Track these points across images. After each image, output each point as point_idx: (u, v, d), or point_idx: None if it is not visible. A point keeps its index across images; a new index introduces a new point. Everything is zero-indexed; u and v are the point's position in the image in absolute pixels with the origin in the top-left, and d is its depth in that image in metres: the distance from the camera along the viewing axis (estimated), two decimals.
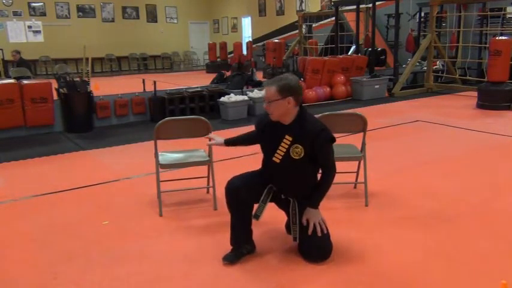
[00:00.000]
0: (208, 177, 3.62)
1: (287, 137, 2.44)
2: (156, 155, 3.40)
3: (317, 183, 2.60)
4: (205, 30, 20.58)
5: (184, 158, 3.47)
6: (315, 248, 2.54)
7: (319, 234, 2.51)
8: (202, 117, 3.36)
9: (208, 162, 3.44)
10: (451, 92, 9.40)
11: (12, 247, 2.92)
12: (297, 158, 2.45)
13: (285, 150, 2.45)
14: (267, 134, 2.56)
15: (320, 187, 2.57)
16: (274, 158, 2.48)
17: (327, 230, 2.60)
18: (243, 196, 2.50)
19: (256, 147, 2.71)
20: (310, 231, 2.52)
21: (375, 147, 4.79)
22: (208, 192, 3.74)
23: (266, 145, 2.58)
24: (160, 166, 3.36)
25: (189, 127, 3.38)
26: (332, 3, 12.82)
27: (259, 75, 9.72)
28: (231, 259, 2.57)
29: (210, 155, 3.43)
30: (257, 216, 2.56)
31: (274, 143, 2.47)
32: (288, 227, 2.75)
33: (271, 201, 2.63)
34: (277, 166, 2.50)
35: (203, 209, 3.46)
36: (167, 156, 3.49)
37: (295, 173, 2.51)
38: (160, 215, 3.33)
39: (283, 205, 2.67)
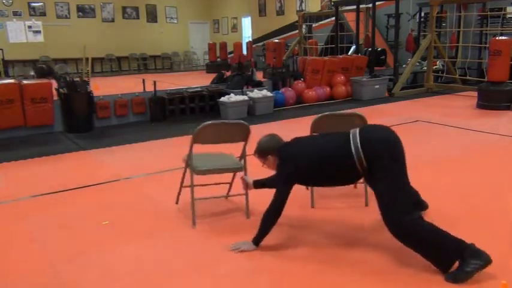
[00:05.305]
0: (231, 183, 3.56)
1: None
2: (191, 160, 3.18)
3: None
4: (205, 30, 20.55)
5: (219, 164, 3.25)
6: None
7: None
8: (243, 122, 3.20)
9: (242, 170, 3.27)
10: (451, 92, 9.40)
11: (12, 247, 2.93)
12: None
13: None
14: None
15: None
16: None
17: None
18: None
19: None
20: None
21: None
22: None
23: None
24: (196, 173, 3.15)
25: (229, 132, 3.21)
26: (332, 3, 12.82)
27: (259, 75, 9.71)
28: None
29: (243, 161, 3.28)
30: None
31: None
32: None
33: None
34: None
35: (203, 209, 3.46)
36: (199, 162, 3.23)
37: None
38: (194, 225, 3.14)
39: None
